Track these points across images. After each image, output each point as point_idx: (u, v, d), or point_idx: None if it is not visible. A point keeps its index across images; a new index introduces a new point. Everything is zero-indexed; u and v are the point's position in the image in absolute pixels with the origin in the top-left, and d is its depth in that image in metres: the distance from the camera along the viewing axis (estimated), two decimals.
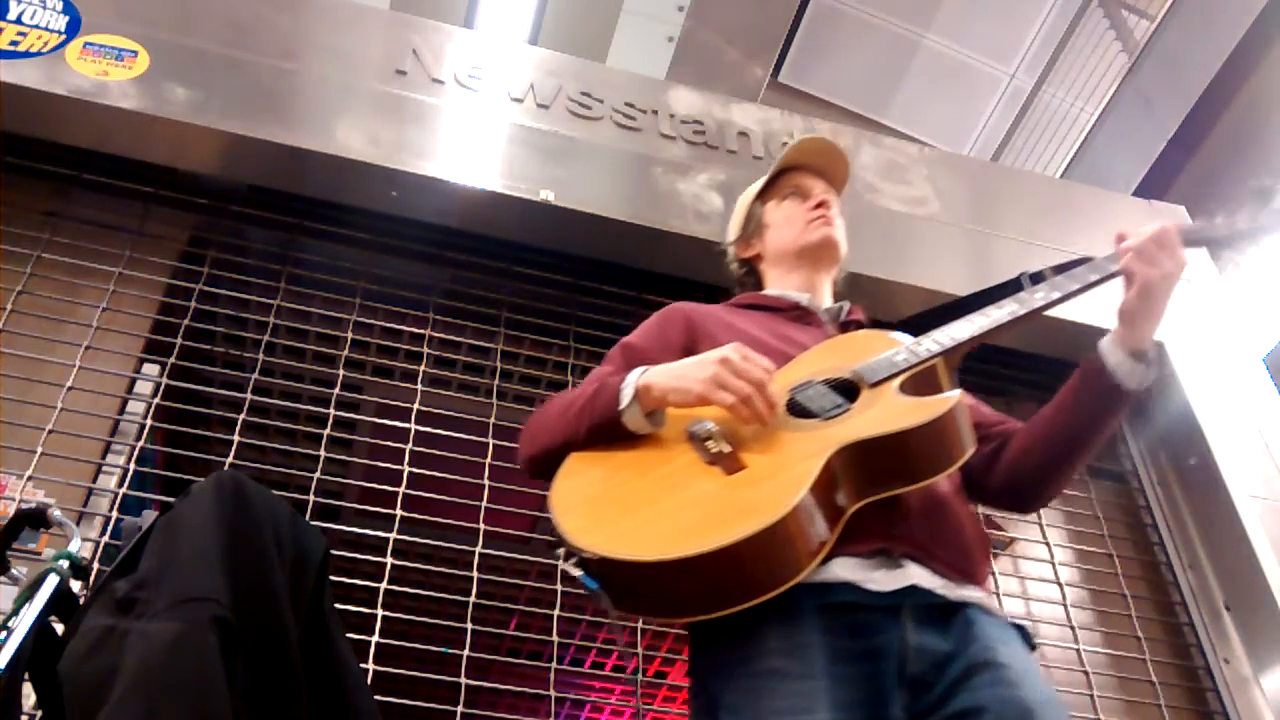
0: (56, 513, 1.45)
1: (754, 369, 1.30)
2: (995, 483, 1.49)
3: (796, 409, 1.34)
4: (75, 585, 1.41)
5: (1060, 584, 2.42)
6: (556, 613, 2.08)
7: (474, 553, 2.10)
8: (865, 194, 2.78)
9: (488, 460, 2.22)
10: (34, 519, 1.44)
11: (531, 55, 2.87)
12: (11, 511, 1.58)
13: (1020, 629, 1.35)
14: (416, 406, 2.26)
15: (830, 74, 6.19)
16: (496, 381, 2.39)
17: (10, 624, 1.24)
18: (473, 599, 2.03)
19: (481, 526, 2.13)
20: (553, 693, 2.00)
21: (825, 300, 1.71)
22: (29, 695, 1.31)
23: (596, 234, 2.49)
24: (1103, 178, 4.76)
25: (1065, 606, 2.39)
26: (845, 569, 1.25)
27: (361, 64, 2.56)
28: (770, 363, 1.33)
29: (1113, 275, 1.42)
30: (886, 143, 3.03)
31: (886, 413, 1.30)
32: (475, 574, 2.06)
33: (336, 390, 2.25)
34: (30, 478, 1.92)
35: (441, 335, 2.43)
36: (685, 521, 1.21)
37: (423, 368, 2.35)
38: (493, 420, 2.30)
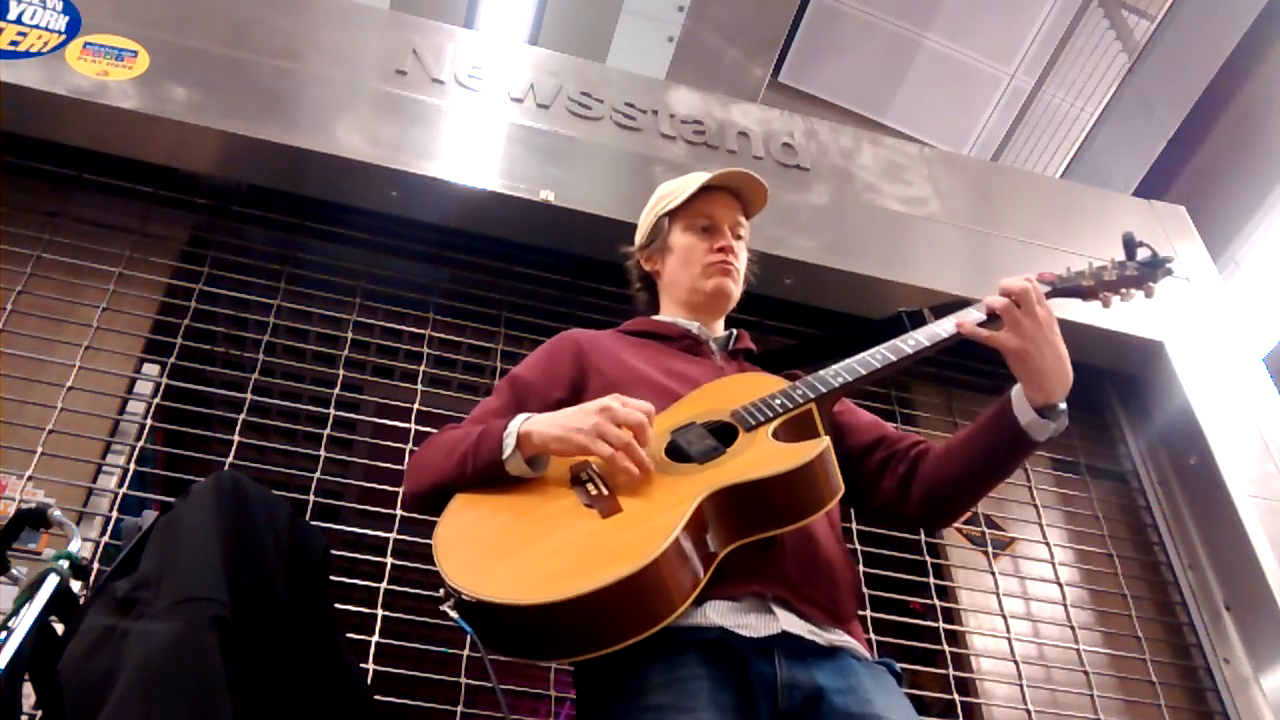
0: (56, 513, 1.45)
1: (635, 415, 1.32)
2: (910, 508, 1.52)
3: (675, 452, 1.37)
4: (75, 585, 1.40)
5: (1060, 584, 2.42)
6: None
7: None
8: (865, 194, 2.78)
9: None
10: (34, 519, 1.44)
11: (531, 55, 2.87)
12: (11, 511, 1.58)
13: (890, 668, 1.38)
14: (416, 406, 2.26)
15: (830, 74, 6.20)
16: (497, 381, 2.38)
17: (10, 624, 1.24)
18: None
19: None
20: (553, 693, 1.99)
21: (717, 329, 1.74)
22: (29, 695, 1.31)
23: (596, 234, 2.48)
24: (1103, 178, 4.77)
25: (1065, 606, 2.39)
26: (718, 614, 1.28)
27: (361, 64, 2.56)
28: (651, 407, 1.35)
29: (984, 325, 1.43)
30: (886, 143, 3.03)
31: (757, 458, 1.33)
32: None
33: (336, 390, 2.25)
34: (30, 478, 1.92)
35: (441, 335, 2.42)
36: (559, 565, 1.23)
37: (423, 368, 2.34)
38: None
